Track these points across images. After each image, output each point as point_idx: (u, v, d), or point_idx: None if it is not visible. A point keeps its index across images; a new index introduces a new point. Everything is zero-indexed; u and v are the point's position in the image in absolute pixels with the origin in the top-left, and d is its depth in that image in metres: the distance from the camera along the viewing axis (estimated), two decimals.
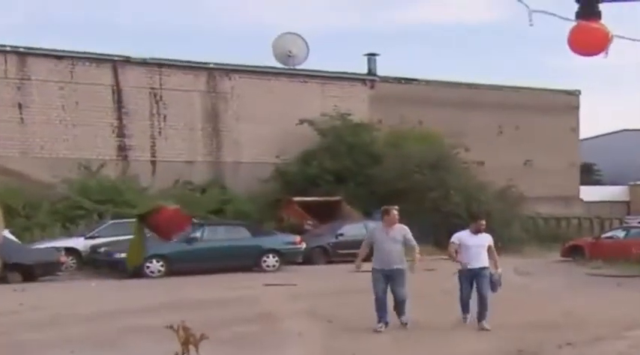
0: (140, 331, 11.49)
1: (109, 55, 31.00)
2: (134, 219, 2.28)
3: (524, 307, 13.68)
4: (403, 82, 37.60)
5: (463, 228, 12.10)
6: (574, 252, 26.37)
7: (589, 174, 47.62)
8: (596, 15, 5.50)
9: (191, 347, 7.13)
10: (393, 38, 75.52)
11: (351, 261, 21.36)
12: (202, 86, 32.78)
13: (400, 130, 33.37)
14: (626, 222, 32.62)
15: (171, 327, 7.23)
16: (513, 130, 39.19)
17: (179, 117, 32.00)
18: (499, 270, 11.81)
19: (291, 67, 34.38)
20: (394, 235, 11.13)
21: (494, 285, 11.68)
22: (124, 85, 31.10)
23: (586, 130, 53.73)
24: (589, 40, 5.42)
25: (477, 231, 11.66)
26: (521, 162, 39.16)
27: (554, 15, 5.24)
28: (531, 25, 5.17)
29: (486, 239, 11.72)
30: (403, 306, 11.26)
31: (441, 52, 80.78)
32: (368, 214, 27.19)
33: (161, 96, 31.80)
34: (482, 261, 11.53)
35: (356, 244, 22.54)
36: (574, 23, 5.39)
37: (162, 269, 20.91)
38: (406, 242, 11.23)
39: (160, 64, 31.96)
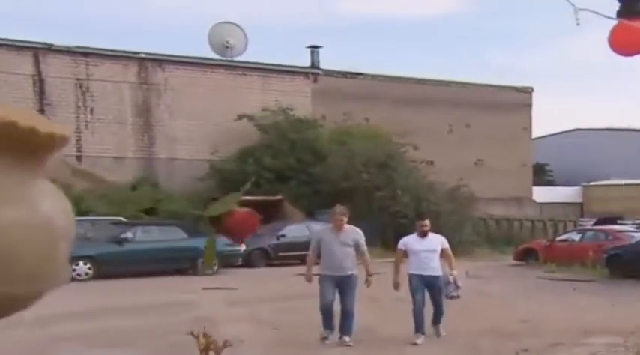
0: (72, 338, 11.21)
1: (29, 42, 30.33)
2: (207, 222, 2.31)
3: (478, 313, 13.71)
4: (348, 76, 37.65)
5: (412, 230, 11.63)
6: (527, 256, 26.74)
7: (541, 175, 48.42)
8: (637, 14, 5.52)
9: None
10: (337, 30, 75.81)
11: (294, 264, 21.41)
12: (133, 77, 32.30)
13: (345, 127, 33.44)
14: (581, 225, 33.20)
15: (191, 333, 7.38)
16: (464, 128, 39.53)
17: (108, 110, 31.48)
18: (454, 271, 11.43)
19: (229, 59, 34.14)
20: (345, 238, 10.61)
21: (447, 288, 11.32)
22: (46, 74, 30.47)
23: (538, 129, 54.82)
24: (630, 39, 5.47)
25: (422, 234, 11.13)
26: (472, 162, 39.58)
27: (598, 13, 5.29)
28: (578, 24, 5.16)
29: (437, 242, 11.22)
30: (350, 320, 10.74)
31: (389, 46, 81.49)
32: (311, 214, 27.16)
33: (88, 88, 31.24)
34: (433, 268, 11.03)
35: (298, 246, 22.64)
36: (615, 22, 5.44)
37: (89, 272, 20.53)
38: (358, 247, 10.72)
39: (87, 53, 31.39)
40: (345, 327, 10.77)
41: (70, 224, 1.54)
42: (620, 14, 5.47)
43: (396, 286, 11.20)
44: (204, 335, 7.39)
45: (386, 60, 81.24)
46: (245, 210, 2.30)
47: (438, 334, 11.27)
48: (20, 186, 1.44)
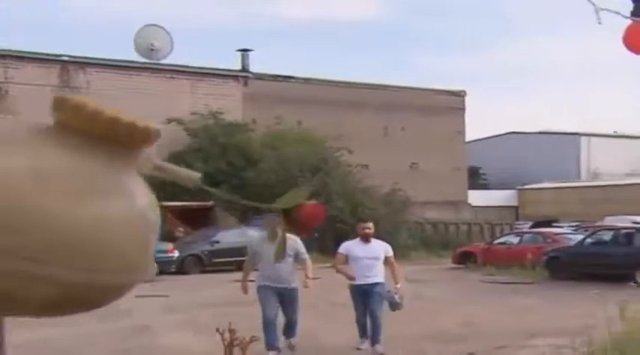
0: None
1: None
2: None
3: (421, 317, 13.56)
4: (279, 79, 37.57)
5: (349, 235, 11.31)
6: (466, 259, 27.04)
7: (475, 178, 49.06)
8: None
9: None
10: (268, 34, 75.71)
11: (229, 270, 21.06)
12: (55, 80, 31.70)
13: (277, 131, 33.33)
14: (517, 228, 33.63)
15: (217, 330, 7.72)
16: (399, 132, 39.78)
17: (29, 115, 30.68)
18: (398, 285, 10.69)
19: (156, 62, 33.71)
20: None
21: (393, 305, 10.67)
22: None
23: (473, 133, 55.69)
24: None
25: (365, 238, 10.59)
26: (407, 166, 39.81)
27: (619, 13, 5.40)
28: (599, 23, 5.18)
29: (380, 249, 10.69)
30: (294, 329, 10.49)
31: (322, 50, 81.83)
32: (245, 220, 26.95)
33: (7, 91, 30.52)
34: (374, 275, 10.48)
35: (233, 252, 22.37)
36: (630, 22, 5.60)
37: None
38: (297, 256, 10.18)
39: (5, 56, 30.76)
40: (290, 332, 10.52)
41: (158, 218, 1.62)
42: (635, 14, 5.59)
43: (352, 278, 10.55)
44: (230, 330, 7.48)
45: (318, 63, 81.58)
46: (312, 202, 2.23)
47: (379, 353, 10.53)
48: (119, 180, 1.51)
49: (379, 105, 38.91)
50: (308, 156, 31.00)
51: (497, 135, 56.73)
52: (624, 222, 27.76)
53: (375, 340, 10.54)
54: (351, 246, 10.74)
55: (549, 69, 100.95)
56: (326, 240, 23.73)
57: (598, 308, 13.75)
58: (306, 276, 10.28)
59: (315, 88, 37.83)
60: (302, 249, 10.26)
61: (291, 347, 10.48)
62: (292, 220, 2.17)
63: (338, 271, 10.84)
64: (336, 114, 36.55)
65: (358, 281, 10.43)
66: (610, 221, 29.91)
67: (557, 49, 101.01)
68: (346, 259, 10.68)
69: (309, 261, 10.47)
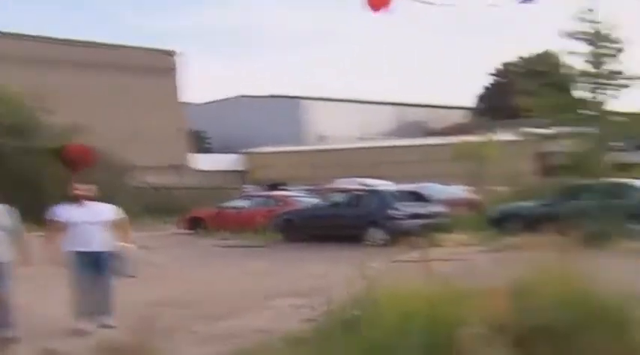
0: None
1: None
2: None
3: (151, 283, 13.29)
4: None
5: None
6: (196, 224, 27.24)
7: (199, 142, 49.54)
8: None
9: None
10: None
11: None
12: None
13: None
14: (245, 192, 34.19)
15: None
16: (113, 93, 39.32)
17: None
18: (128, 245, 10.32)
19: None
20: None
21: (122, 271, 10.25)
22: None
23: (201, 96, 55.85)
24: None
25: (78, 201, 10.12)
26: (125, 128, 39.16)
27: None
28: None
29: (103, 211, 10.23)
30: (6, 315, 9.48)
31: (23, 3, 78.42)
32: None
33: None
34: (97, 242, 10.01)
35: None
36: None
37: None
38: (6, 228, 9.43)
39: None
40: (3, 320, 9.52)
41: None
42: None
43: (57, 263, 10.03)
44: None
45: (18, 18, 78.07)
46: (78, 142, 1.90)
47: (107, 325, 10.06)
48: None
49: (89, 64, 38.24)
50: (4, 116, 29.52)
51: (225, 99, 57.72)
52: (353, 184, 29.05)
53: (106, 311, 10.16)
54: (64, 211, 10.18)
55: (284, 33, 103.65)
56: (38, 207, 22.70)
57: (333, 268, 14.34)
58: (23, 255, 9.60)
59: (8, 42, 36.35)
60: (11, 217, 9.54)
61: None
62: (63, 159, 1.96)
63: (51, 242, 10.11)
64: (38, 72, 35.18)
65: (77, 248, 9.94)
66: (339, 183, 31.14)
67: (289, 14, 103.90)
68: (65, 226, 10.08)
69: (23, 234, 9.71)
